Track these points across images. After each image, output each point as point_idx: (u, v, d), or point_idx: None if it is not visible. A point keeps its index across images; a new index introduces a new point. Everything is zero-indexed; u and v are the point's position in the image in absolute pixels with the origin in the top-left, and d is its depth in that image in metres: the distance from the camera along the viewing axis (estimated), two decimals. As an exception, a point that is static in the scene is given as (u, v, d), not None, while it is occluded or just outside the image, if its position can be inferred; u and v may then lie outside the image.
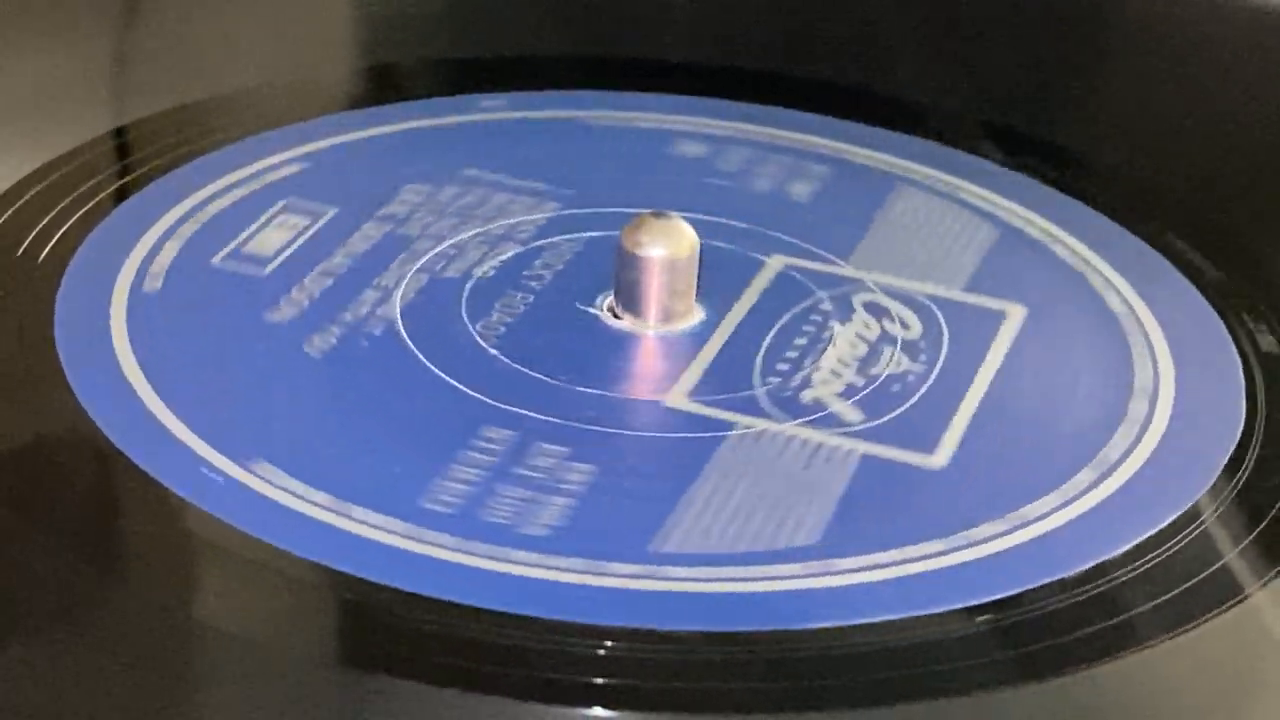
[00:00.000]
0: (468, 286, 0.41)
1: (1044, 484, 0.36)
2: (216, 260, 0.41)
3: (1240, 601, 0.34)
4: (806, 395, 0.38)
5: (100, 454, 0.35)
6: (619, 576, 0.33)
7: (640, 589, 0.33)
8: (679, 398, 0.38)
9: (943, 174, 0.46)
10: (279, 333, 0.39)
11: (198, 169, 0.44)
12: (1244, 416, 0.38)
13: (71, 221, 0.42)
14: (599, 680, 0.31)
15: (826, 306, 0.41)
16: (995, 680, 0.32)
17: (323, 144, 0.46)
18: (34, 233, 0.41)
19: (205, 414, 0.36)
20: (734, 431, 0.37)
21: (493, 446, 0.36)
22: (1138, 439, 0.38)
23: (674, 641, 0.32)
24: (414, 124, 0.47)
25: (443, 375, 0.38)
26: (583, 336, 0.40)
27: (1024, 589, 0.34)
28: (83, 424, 0.36)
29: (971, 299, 0.42)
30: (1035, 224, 0.45)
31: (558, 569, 0.34)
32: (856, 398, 0.38)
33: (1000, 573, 0.34)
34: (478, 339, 0.39)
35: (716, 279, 0.41)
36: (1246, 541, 0.35)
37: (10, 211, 0.42)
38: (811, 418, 0.38)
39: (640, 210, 0.40)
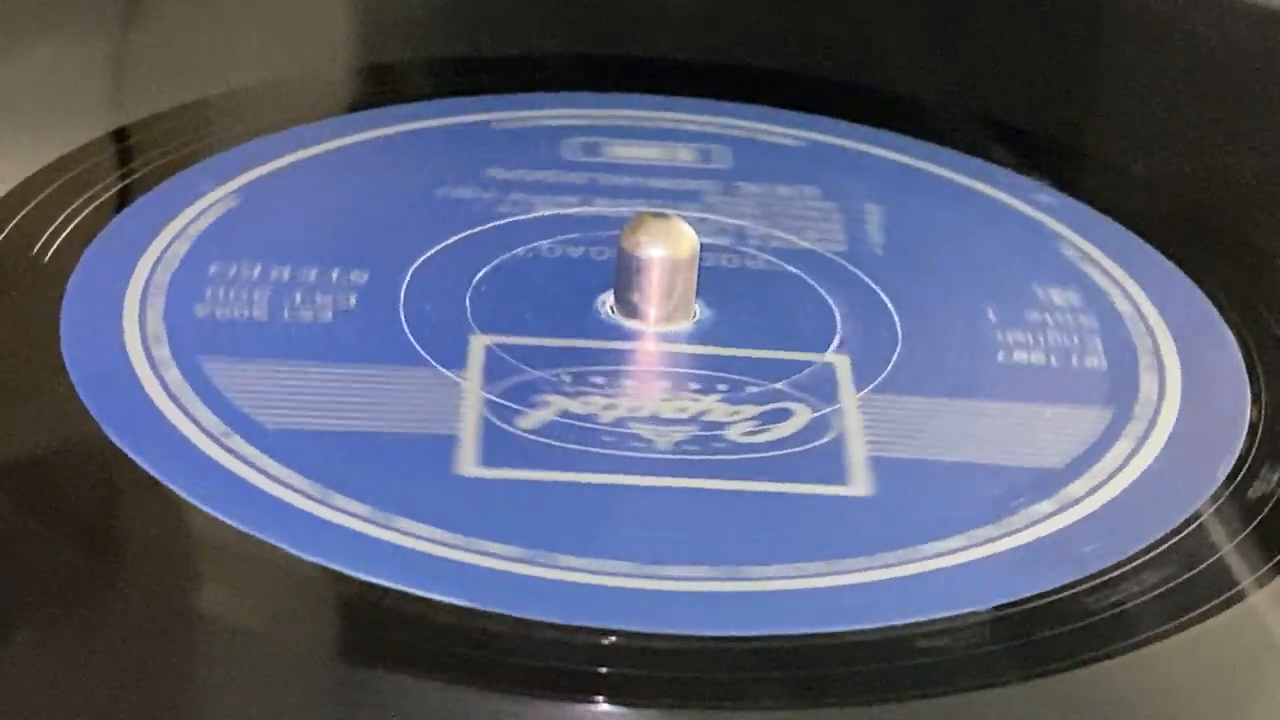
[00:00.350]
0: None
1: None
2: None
3: (1239, 602, 0.34)
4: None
5: (104, 454, 0.35)
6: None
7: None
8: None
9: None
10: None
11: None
12: (1246, 418, 0.38)
13: (79, 220, 0.42)
14: (603, 669, 0.32)
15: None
16: (996, 680, 0.32)
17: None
18: (41, 234, 0.41)
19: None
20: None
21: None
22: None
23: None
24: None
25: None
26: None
27: (1027, 591, 0.34)
28: (87, 424, 0.36)
29: None
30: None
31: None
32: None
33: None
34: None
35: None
36: (1248, 544, 0.35)
37: (17, 213, 0.42)
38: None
39: (640, 210, 0.40)
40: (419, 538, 0.34)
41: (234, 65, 0.49)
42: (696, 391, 0.38)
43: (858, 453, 0.37)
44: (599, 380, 0.38)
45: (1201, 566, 0.35)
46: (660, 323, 0.40)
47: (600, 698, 0.31)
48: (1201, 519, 0.36)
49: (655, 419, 0.37)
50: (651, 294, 0.40)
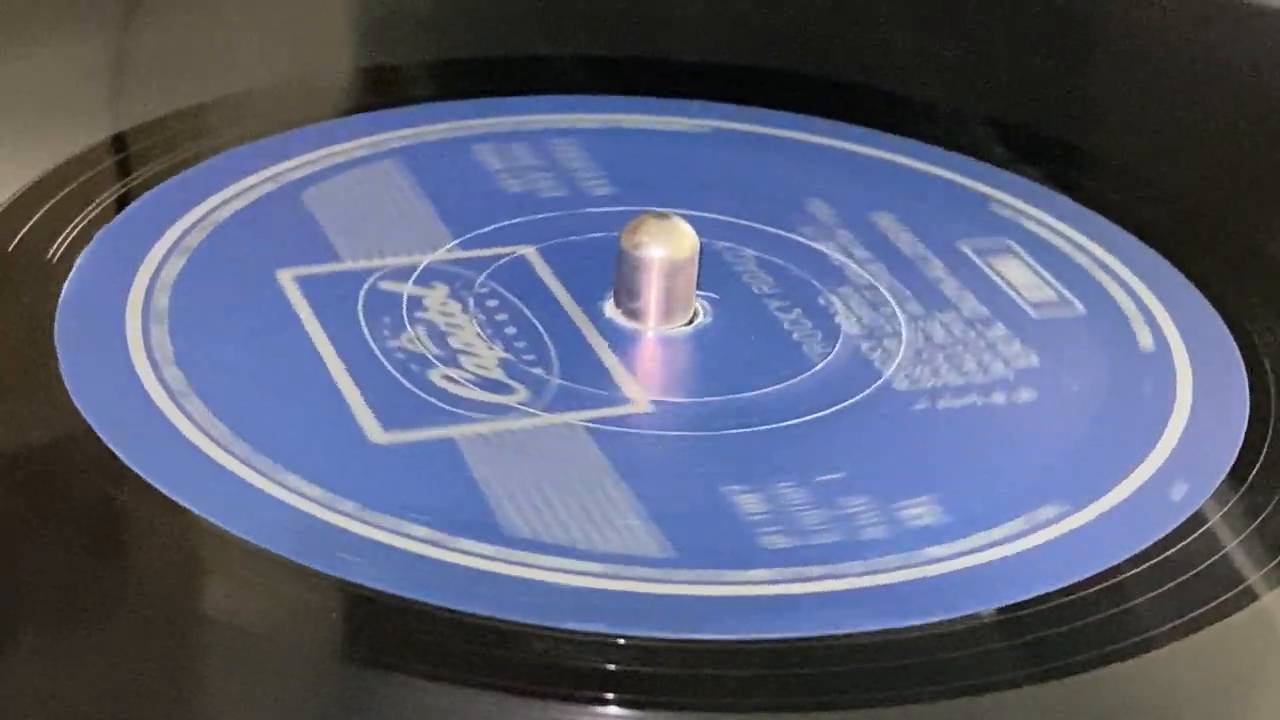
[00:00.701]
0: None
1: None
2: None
3: (1247, 605, 0.34)
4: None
5: (102, 458, 0.35)
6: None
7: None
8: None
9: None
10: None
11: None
12: (1249, 419, 0.38)
13: (78, 219, 0.42)
14: (611, 666, 0.32)
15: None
16: (998, 681, 0.32)
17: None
18: (40, 236, 0.41)
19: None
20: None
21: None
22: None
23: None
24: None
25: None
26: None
27: (1031, 592, 0.34)
28: (81, 427, 0.36)
29: None
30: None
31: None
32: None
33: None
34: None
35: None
36: (1253, 544, 0.35)
37: (15, 216, 0.42)
38: None
39: (640, 209, 0.40)
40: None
41: (234, 65, 0.49)
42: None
43: None
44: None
45: (1203, 566, 0.35)
46: (660, 323, 0.40)
47: (609, 697, 0.31)
48: (1204, 519, 0.36)
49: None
50: (651, 294, 0.40)
